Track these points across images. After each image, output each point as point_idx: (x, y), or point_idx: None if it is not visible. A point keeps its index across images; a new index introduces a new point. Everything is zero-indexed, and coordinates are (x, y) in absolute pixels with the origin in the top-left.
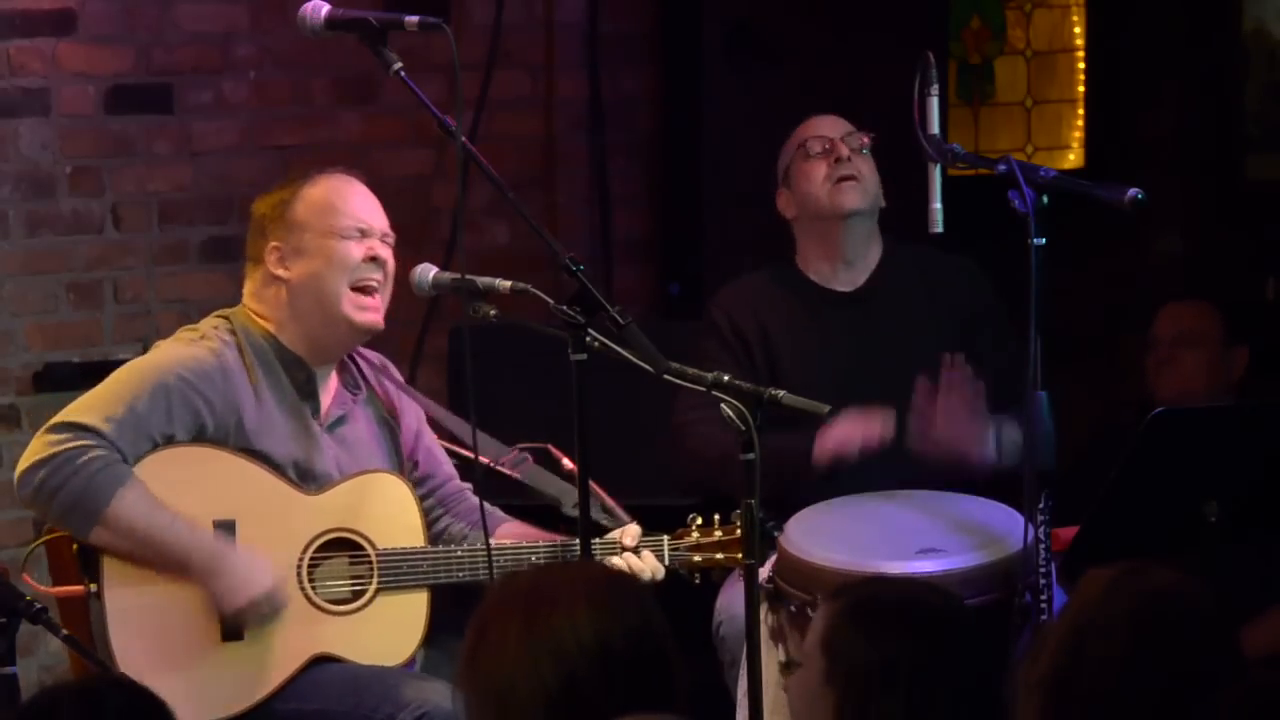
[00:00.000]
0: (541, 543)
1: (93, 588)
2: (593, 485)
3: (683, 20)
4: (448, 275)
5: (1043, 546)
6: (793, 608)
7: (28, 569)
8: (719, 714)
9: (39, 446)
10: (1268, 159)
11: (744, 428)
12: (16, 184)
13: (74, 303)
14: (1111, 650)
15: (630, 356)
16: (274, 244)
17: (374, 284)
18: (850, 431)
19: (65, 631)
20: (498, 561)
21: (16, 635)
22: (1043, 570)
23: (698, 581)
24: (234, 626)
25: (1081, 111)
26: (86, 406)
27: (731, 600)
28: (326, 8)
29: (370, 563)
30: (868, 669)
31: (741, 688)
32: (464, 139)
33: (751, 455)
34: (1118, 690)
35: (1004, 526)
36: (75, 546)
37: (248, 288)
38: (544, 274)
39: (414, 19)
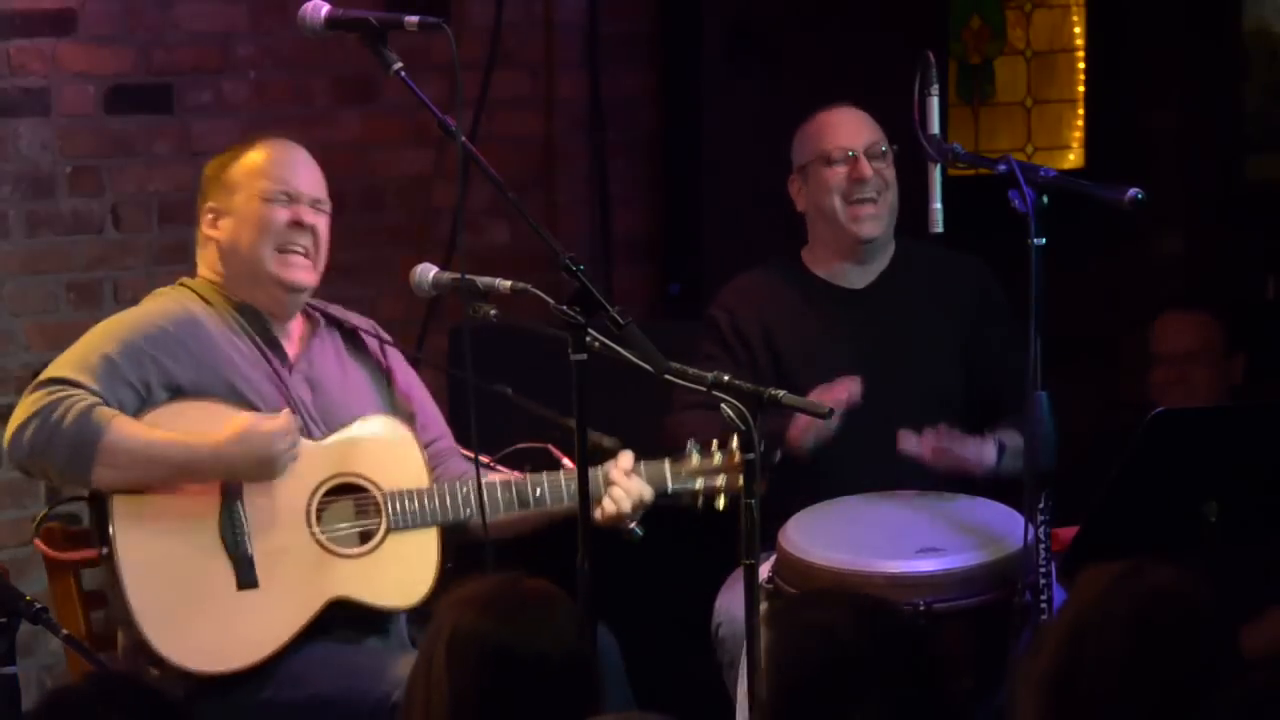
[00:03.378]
0: (545, 475)
1: (104, 551)
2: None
3: (683, 20)
4: (448, 275)
5: (1043, 546)
6: None
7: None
8: (719, 714)
9: (22, 409)
10: (1268, 159)
11: (744, 428)
12: (16, 184)
13: (74, 303)
14: (1111, 649)
15: (630, 356)
16: (210, 204)
17: (298, 249)
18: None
19: (65, 631)
20: (504, 496)
21: (16, 635)
22: (1043, 570)
23: (701, 508)
24: (248, 574)
25: (1081, 111)
26: (60, 363)
27: (730, 601)
28: (326, 8)
29: (378, 505)
30: (791, 680)
31: (741, 688)
32: (464, 139)
33: (751, 455)
34: (1117, 689)
35: (1004, 526)
36: (91, 506)
37: (197, 250)
38: (544, 274)
39: (414, 19)
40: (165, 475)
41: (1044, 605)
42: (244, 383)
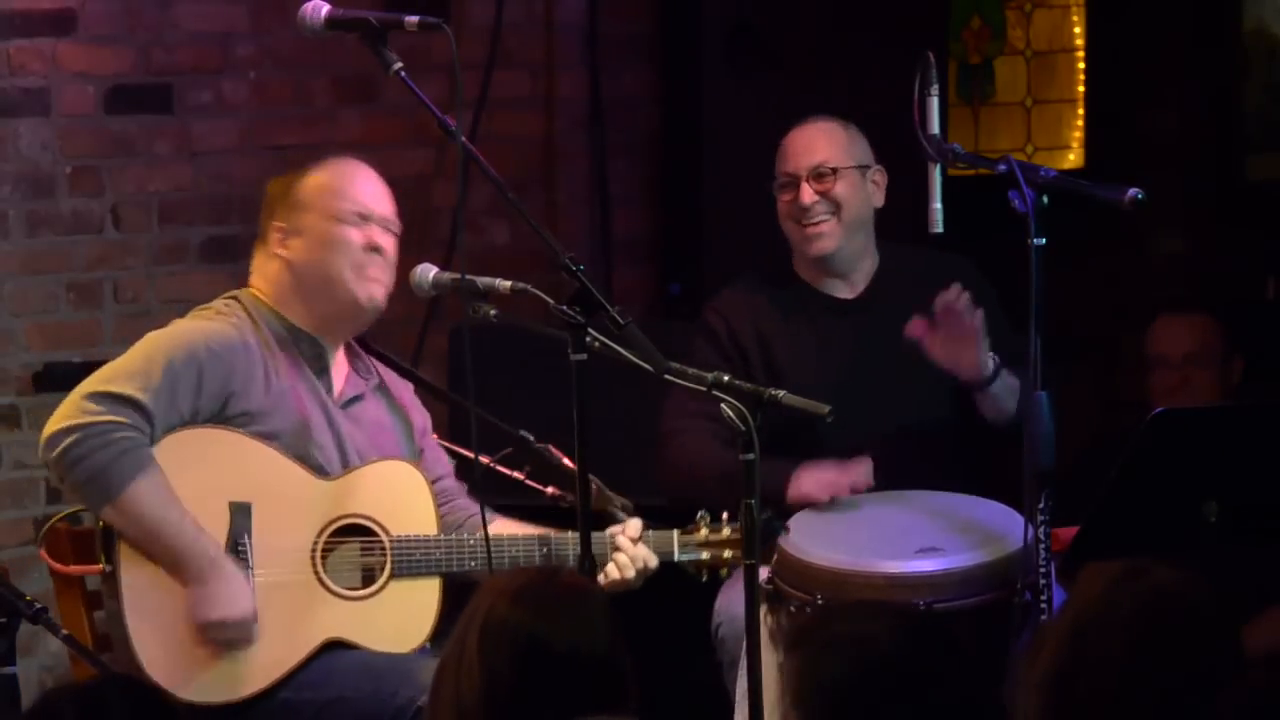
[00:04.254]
0: (553, 535)
1: (108, 568)
2: (598, 484)
3: (683, 20)
4: (448, 275)
5: (1042, 546)
6: (792, 608)
7: (41, 546)
8: (719, 714)
9: (74, 411)
10: (1268, 159)
11: (744, 428)
12: (16, 184)
13: (74, 303)
14: (1112, 650)
15: (630, 356)
16: (278, 223)
17: (371, 269)
18: (827, 479)
19: (65, 631)
20: (508, 552)
21: (16, 635)
22: (1043, 570)
23: (704, 579)
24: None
25: (1081, 111)
26: (125, 374)
27: (730, 601)
28: (326, 8)
29: (384, 549)
30: (828, 699)
31: (741, 688)
32: (464, 139)
33: (751, 455)
34: (1118, 690)
35: (1004, 526)
36: (99, 524)
37: (254, 265)
38: (544, 274)
39: (414, 19)
40: (156, 554)
41: (1044, 605)
42: (278, 416)
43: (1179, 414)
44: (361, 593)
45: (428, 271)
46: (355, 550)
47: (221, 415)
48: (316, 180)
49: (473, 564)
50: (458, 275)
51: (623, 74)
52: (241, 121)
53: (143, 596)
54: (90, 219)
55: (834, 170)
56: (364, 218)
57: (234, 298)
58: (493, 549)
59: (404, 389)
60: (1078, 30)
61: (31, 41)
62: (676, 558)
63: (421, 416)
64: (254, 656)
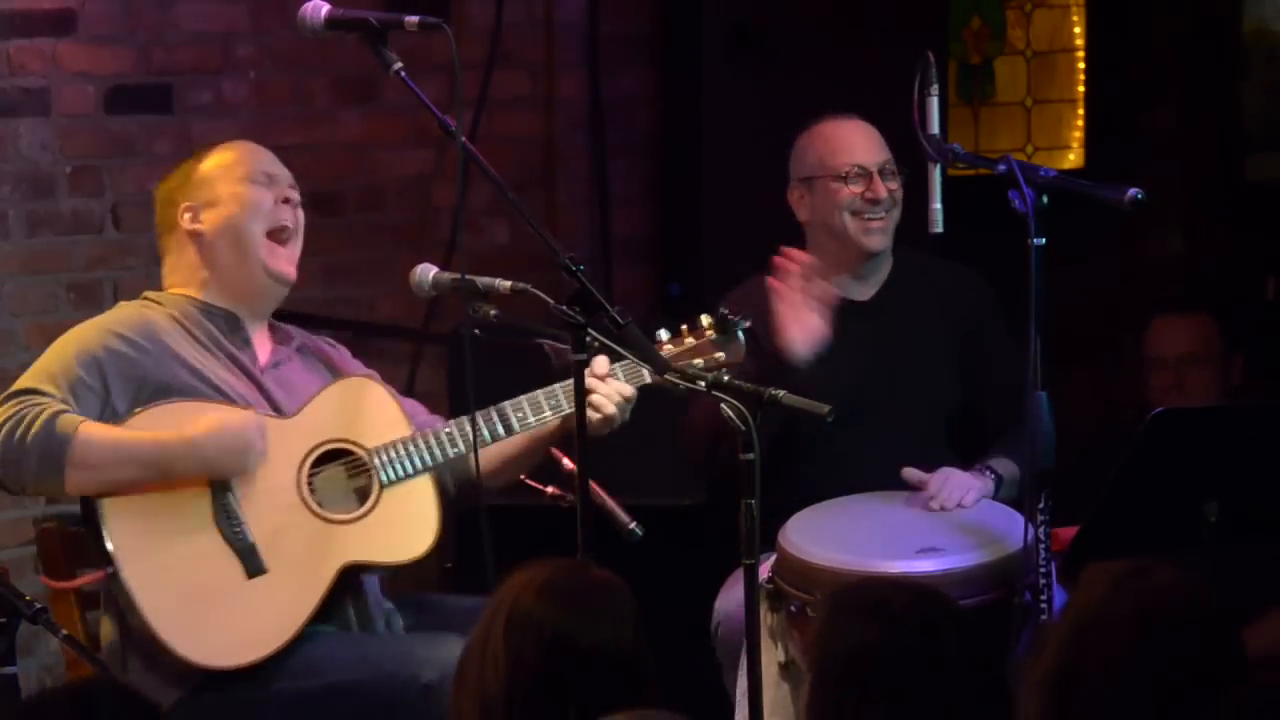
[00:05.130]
0: (522, 397)
1: (110, 570)
2: (595, 488)
3: (683, 20)
4: (448, 275)
5: (1043, 546)
6: (792, 608)
7: (37, 567)
8: (719, 714)
9: None
10: (1268, 159)
11: (744, 428)
12: (16, 184)
13: (74, 303)
14: (1114, 649)
15: (630, 356)
16: (185, 205)
17: (288, 225)
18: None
19: (65, 631)
20: (486, 425)
21: (16, 635)
22: (1043, 570)
23: (683, 391)
24: (255, 562)
25: (1081, 111)
26: (23, 378)
27: (730, 601)
28: (326, 8)
29: (366, 465)
30: (844, 658)
31: (740, 687)
32: (464, 139)
33: (751, 455)
34: (1120, 689)
35: (1004, 526)
36: (84, 524)
37: (165, 264)
38: (544, 274)
39: (414, 19)
40: (138, 474)
41: (1044, 605)
42: (206, 381)
43: (1179, 414)
44: (359, 512)
45: (428, 271)
46: (340, 474)
47: (140, 395)
48: (217, 157)
49: (454, 450)
50: (458, 275)
51: (623, 74)
52: (241, 121)
53: (151, 585)
54: (90, 219)
55: (895, 171)
56: (271, 179)
57: (146, 297)
58: (461, 430)
59: (341, 356)
60: (1078, 30)
61: (31, 41)
62: (650, 379)
63: (365, 372)
64: (277, 606)
